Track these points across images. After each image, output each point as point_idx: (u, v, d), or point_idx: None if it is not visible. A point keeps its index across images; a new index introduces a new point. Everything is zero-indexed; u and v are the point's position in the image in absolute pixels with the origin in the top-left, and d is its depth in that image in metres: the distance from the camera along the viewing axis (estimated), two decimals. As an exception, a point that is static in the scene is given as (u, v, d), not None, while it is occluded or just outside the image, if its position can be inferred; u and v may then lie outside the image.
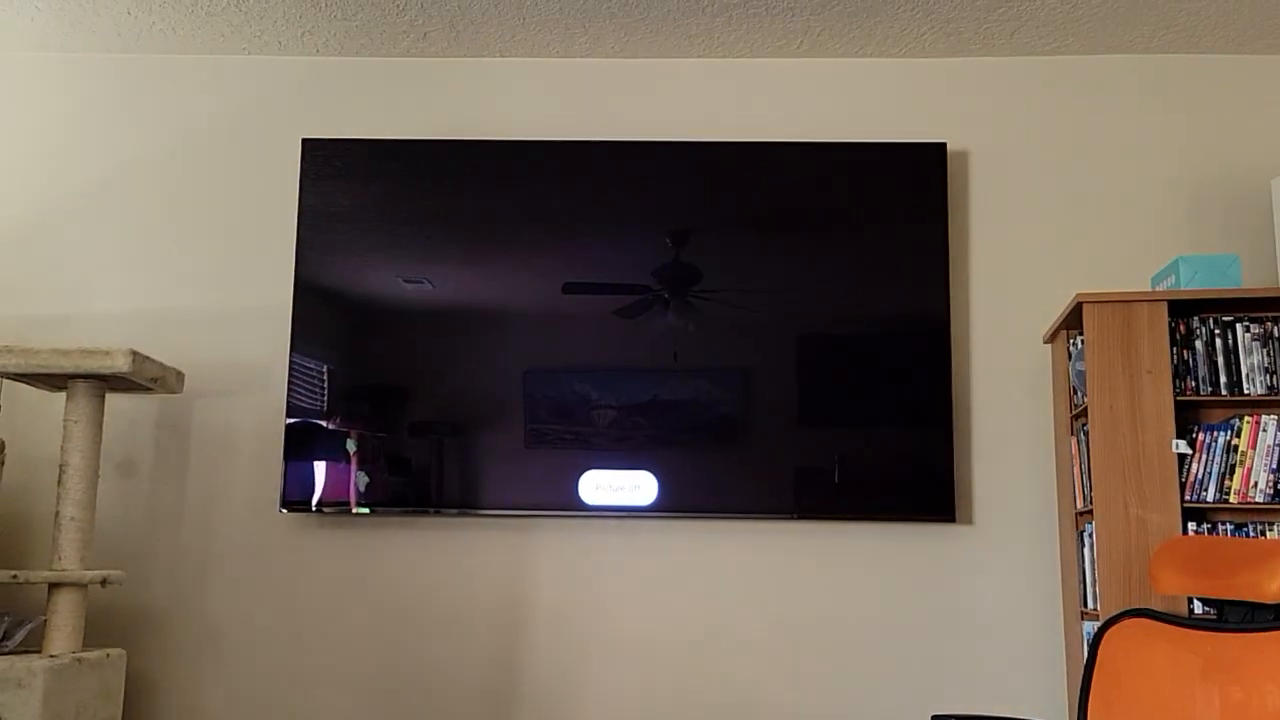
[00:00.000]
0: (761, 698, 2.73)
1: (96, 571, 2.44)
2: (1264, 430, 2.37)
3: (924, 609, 2.75)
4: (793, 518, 2.75)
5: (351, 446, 2.80)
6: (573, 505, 2.75)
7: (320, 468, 2.79)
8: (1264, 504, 2.35)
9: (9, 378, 2.49)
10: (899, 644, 2.74)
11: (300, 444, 2.80)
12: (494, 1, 2.75)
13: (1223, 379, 2.41)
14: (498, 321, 2.83)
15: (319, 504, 2.77)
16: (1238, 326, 2.43)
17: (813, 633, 2.76)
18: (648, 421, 2.78)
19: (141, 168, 3.02)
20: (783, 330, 2.81)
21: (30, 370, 2.41)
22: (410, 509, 2.77)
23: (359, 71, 3.04)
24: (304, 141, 2.92)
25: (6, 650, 2.40)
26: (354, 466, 2.79)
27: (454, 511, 2.77)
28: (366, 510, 2.77)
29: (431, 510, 2.77)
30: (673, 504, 2.75)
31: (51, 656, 2.32)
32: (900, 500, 2.73)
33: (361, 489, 2.78)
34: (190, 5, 2.79)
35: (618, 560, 2.81)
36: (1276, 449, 2.36)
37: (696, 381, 2.80)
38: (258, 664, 2.79)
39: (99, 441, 2.51)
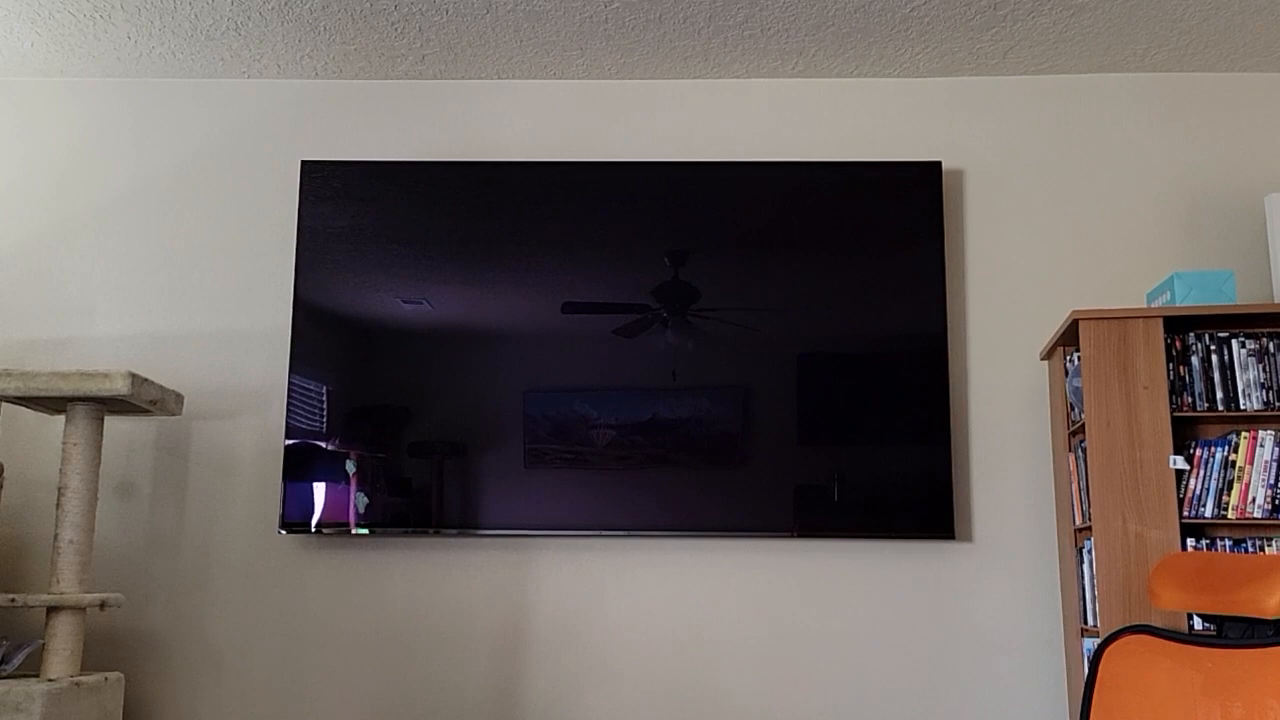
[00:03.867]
0: (761, 716, 2.72)
1: (95, 595, 2.44)
2: (1261, 445, 2.38)
3: (924, 627, 2.75)
4: (792, 536, 2.75)
5: (351, 467, 2.80)
6: (572, 525, 2.75)
7: (319, 489, 2.79)
8: (1262, 519, 2.35)
9: (8, 401, 2.49)
10: (899, 662, 2.74)
11: (299, 465, 2.80)
12: (491, 24, 2.77)
13: (1219, 395, 2.42)
14: (497, 341, 2.84)
15: (318, 525, 2.77)
16: (1233, 342, 2.44)
17: (813, 651, 2.75)
18: (647, 440, 2.79)
19: (141, 191, 3.03)
20: (781, 349, 2.82)
21: (29, 393, 2.42)
22: (410, 529, 2.77)
23: (357, 94, 3.06)
24: (303, 163, 2.93)
25: (5, 674, 2.39)
26: (353, 487, 2.79)
27: (454, 532, 2.77)
28: (366, 531, 2.77)
29: (431, 530, 2.77)
30: (672, 523, 2.75)
31: (50, 680, 2.31)
32: (900, 518, 2.73)
33: (361, 510, 2.78)
34: (190, 30, 2.81)
35: (617, 580, 2.80)
36: (1274, 464, 2.37)
37: (695, 400, 2.80)
38: (257, 686, 2.78)
39: (98, 464, 2.51)
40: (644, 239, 2.88)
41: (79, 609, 2.42)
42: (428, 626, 2.79)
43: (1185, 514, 2.38)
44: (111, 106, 3.07)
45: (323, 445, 2.81)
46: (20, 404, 2.56)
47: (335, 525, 2.77)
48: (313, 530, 2.77)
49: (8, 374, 2.42)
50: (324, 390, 2.84)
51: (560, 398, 2.80)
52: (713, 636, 2.77)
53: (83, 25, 2.79)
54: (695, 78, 3.04)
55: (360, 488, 2.79)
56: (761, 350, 2.82)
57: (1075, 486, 2.58)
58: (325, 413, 2.83)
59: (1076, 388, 2.56)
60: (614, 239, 2.88)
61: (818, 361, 2.81)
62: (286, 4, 2.68)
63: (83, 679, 2.38)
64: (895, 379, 2.79)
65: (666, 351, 2.83)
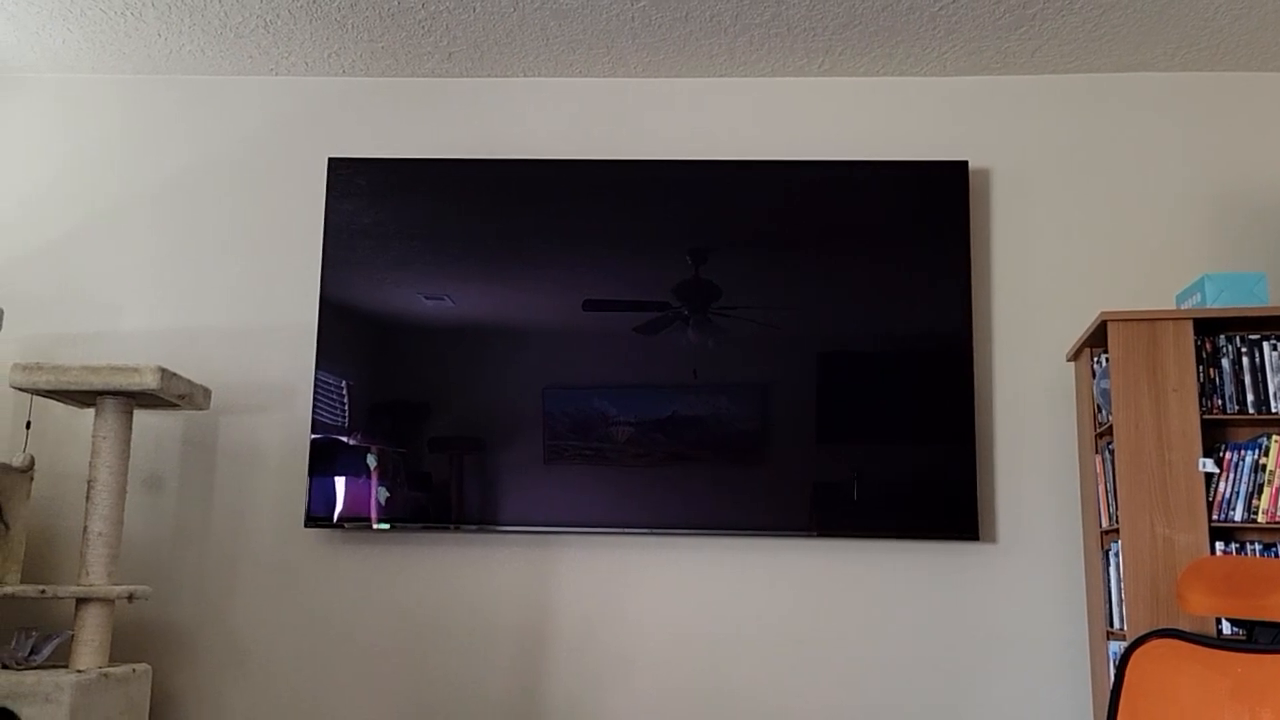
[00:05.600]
0: (781, 715, 2.72)
1: (123, 587, 2.46)
2: (1292, 449, 2.35)
3: (946, 629, 2.73)
4: (812, 535, 2.74)
5: (372, 462, 2.81)
6: (591, 522, 2.76)
7: (341, 483, 2.81)
8: (1293, 524, 2.33)
9: (40, 394, 2.53)
10: (921, 664, 2.72)
11: (323, 460, 2.82)
12: (518, 22, 2.78)
13: (1250, 397, 2.39)
14: (517, 338, 2.85)
15: (340, 519, 2.79)
16: (1265, 345, 2.41)
17: (833, 651, 2.74)
18: (666, 438, 2.78)
19: (170, 187, 3.06)
20: (803, 347, 2.81)
21: (60, 387, 2.45)
22: (430, 524, 2.78)
23: (384, 91, 3.08)
24: (330, 160, 2.95)
25: (34, 665, 2.42)
26: (374, 482, 2.80)
27: (473, 528, 2.78)
28: (387, 526, 2.79)
29: (451, 526, 2.78)
30: (691, 521, 2.75)
31: (79, 672, 2.34)
32: (922, 518, 2.71)
33: (382, 504, 2.79)
34: (219, 27, 2.83)
35: (637, 577, 2.80)
36: (1305, 468, 2.34)
37: (715, 398, 2.80)
38: (281, 679, 2.80)
39: (127, 457, 2.54)
40: (666, 237, 2.88)
41: (107, 601, 2.45)
42: (449, 622, 2.80)
43: (1214, 517, 2.35)
44: (141, 103, 3.10)
45: (345, 440, 2.83)
46: (51, 397, 2.59)
47: (357, 520, 2.79)
48: (335, 524, 2.79)
49: (39, 368, 2.45)
50: (344, 385, 2.85)
51: (580, 395, 2.81)
52: (733, 634, 2.76)
53: (114, 22, 2.82)
54: (721, 76, 3.03)
55: (381, 482, 2.80)
56: (783, 348, 2.81)
57: (1102, 488, 2.56)
58: (346, 408, 2.84)
59: (1104, 389, 2.54)
60: (636, 236, 2.88)
61: (840, 360, 2.80)
62: (315, 2, 2.70)
63: (111, 670, 2.41)
64: (918, 378, 2.77)
65: (687, 349, 2.82)
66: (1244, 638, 1.94)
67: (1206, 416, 2.38)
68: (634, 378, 2.82)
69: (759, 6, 2.67)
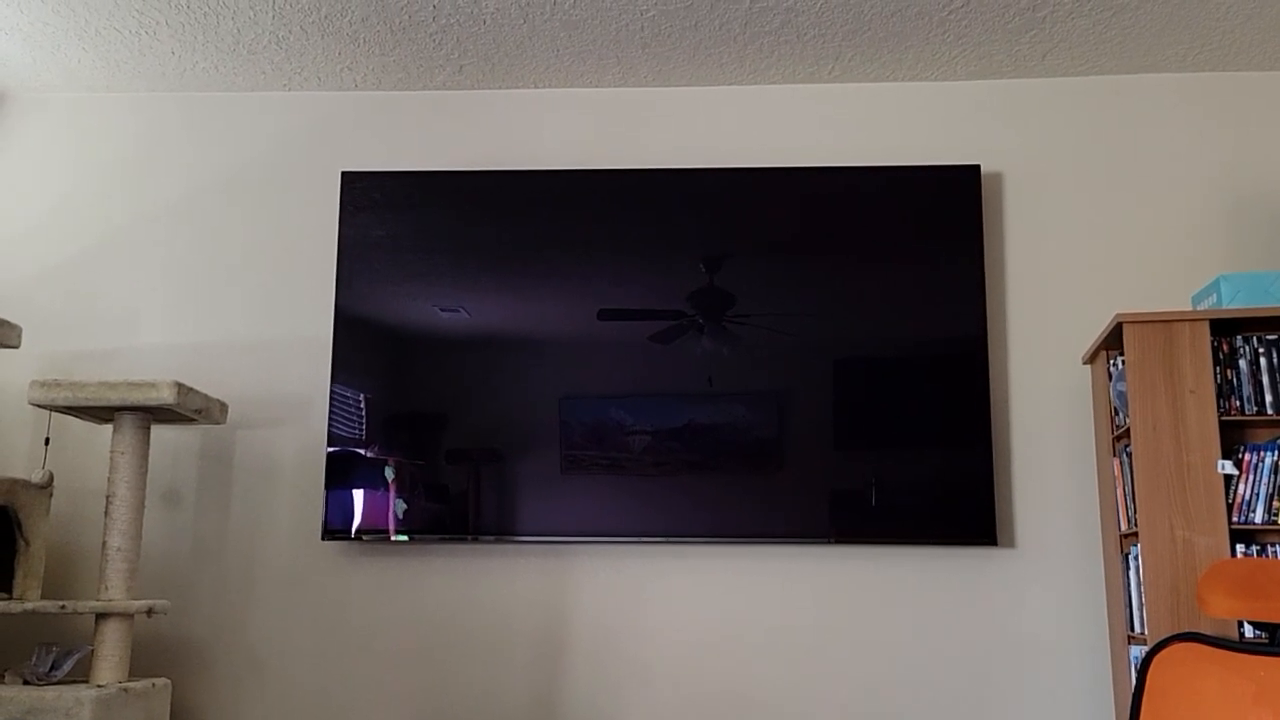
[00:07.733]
0: (803, 725, 2.71)
1: (142, 601, 2.47)
2: (1312, 450, 2.33)
3: (965, 635, 2.72)
4: (830, 542, 2.74)
5: (389, 474, 2.82)
6: (608, 531, 2.76)
7: (359, 496, 2.82)
8: (1314, 525, 2.31)
9: (57, 411, 2.54)
10: (940, 671, 2.71)
11: (340, 473, 2.83)
12: (528, 34, 2.79)
13: (1268, 398, 2.38)
14: (533, 349, 2.85)
15: (358, 531, 2.80)
16: (1282, 345, 2.40)
17: (852, 658, 2.73)
18: (683, 447, 2.79)
19: (185, 202, 3.08)
20: (818, 354, 2.81)
21: (78, 403, 2.46)
22: (448, 536, 2.79)
23: (396, 105, 3.10)
24: (343, 174, 2.97)
25: (54, 680, 2.43)
26: (392, 494, 2.81)
27: (491, 538, 2.78)
28: (405, 538, 2.79)
29: (469, 537, 2.78)
30: (708, 529, 2.75)
31: (99, 686, 2.35)
32: (939, 524, 2.70)
33: (400, 516, 2.80)
34: (232, 44, 2.85)
35: (654, 586, 2.80)
36: (1326, 469, 2.32)
37: (731, 406, 2.80)
38: (300, 693, 2.81)
39: (144, 472, 2.55)
40: (679, 245, 2.88)
41: (127, 615, 2.46)
42: (468, 633, 2.81)
43: (1234, 519, 2.34)
44: (156, 120, 3.12)
45: (362, 452, 2.84)
46: (69, 414, 2.60)
47: (374, 532, 2.80)
48: (353, 536, 2.79)
49: (57, 384, 2.47)
50: (362, 398, 2.86)
51: (596, 404, 2.81)
52: (751, 643, 2.76)
53: (128, 41, 2.85)
54: (731, 84, 3.04)
55: (399, 494, 2.81)
56: (798, 355, 2.81)
57: (1120, 492, 2.55)
58: (364, 420, 2.85)
59: (1121, 391, 2.53)
60: (650, 246, 2.89)
61: (855, 366, 2.79)
62: (326, 18, 2.72)
63: (130, 685, 2.42)
64: (934, 384, 2.77)
65: (702, 357, 2.83)
66: (1266, 641, 1.92)
67: (1224, 418, 2.37)
68: (650, 387, 2.82)
69: (768, 14, 2.68)
